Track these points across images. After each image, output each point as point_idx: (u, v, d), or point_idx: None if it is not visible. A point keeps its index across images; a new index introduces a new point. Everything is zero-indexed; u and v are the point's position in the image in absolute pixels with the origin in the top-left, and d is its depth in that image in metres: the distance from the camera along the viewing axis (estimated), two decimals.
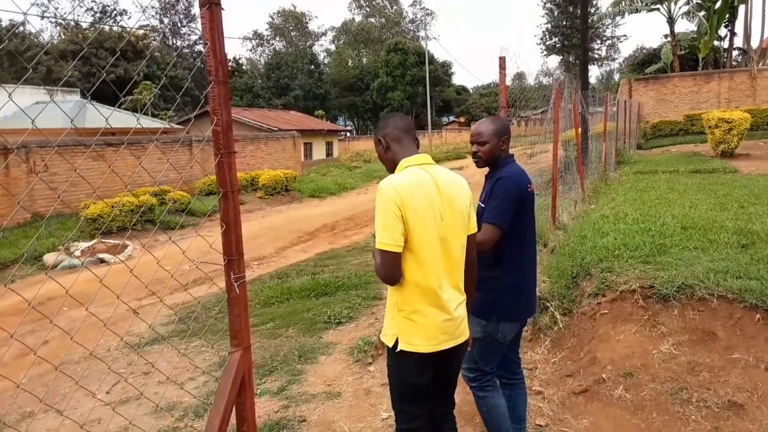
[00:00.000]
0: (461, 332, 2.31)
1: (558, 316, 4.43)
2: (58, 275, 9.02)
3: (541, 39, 61.77)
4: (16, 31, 35.75)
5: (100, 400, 4.33)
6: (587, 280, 4.62)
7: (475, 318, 2.72)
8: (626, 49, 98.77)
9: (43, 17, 45.83)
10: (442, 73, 59.21)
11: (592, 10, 46.58)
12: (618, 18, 48.81)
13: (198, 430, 3.86)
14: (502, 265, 2.76)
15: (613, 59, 68.12)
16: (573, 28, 58.71)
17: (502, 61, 4.43)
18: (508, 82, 4.58)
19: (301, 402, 4.05)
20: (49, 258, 10.05)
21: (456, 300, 2.29)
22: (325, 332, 5.60)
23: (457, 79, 75.15)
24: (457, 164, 27.97)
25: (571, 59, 57.42)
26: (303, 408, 3.96)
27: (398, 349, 2.21)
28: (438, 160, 25.61)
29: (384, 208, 2.10)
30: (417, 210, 2.12)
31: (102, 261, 9.92)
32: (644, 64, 37.07)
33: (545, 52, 61.78)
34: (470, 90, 69.68)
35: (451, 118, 65.90)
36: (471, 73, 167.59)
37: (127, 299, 7.20)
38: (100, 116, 16.37)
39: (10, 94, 1.49)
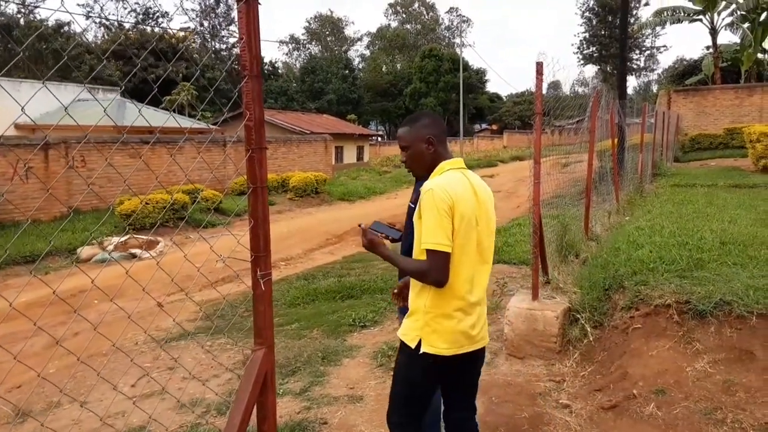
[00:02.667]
0: (482, 336, 2.32)
1: (588, 329, 4.31)
2: (91, 268, 9.21)
3: (578, 48, 60.94)
4: (62, 30, 36.84)
5: (122, 393, 4.38)
6: (620, 292, 4.50)
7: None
8: (665, 61, 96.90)
9: (88, 17, 47.18)
10: (476, 80, 58.97)
11: (632, 20, 45.78)
12: (658, 28, 48.01)
13: (219, 427, 3.87)
14: None
15: (652, 70, 66.86)
16: (611, 38, 57.74)
17: (539, 66, 4.35)
18: (543, 90, 4.51)
19: (322, 404, 4.02)
20: (84, 251, 10.28)
21: (482, 304, 2.32)
22: (349, 335, 5.57)
23: (491, 87, 74.75)
24: (489, 171, 27.74)
25: (608, 69, 56.54)
26: (324, 410, 3.93)
27: (421, 351, 2.19)
28: (469, 167, 25.37)
29: (436, 208, 2.08)
30: (463, 214, 2.13)
31: (134, 256, 10.10)
32: (684, 75, 36.30)
33: (582, 61, 60.88)
34: (504, 98, 69.13)
35: (483, 125, 65.45)
36: (505, 80, 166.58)
37: (156, 295, 7.29)
38: (138, 114, 16.73)
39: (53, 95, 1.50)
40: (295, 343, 5.43)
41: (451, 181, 2.18)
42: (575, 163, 7.28)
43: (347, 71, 56.95)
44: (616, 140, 9.70)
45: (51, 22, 36.27)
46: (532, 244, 4.50)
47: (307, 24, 69.29)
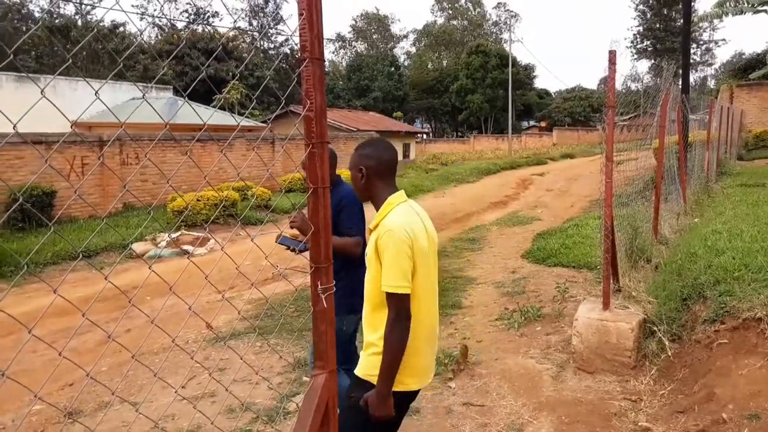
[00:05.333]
0: (434, 366, 2.37)
1: (666, 342, 3.95)
2: (144, 264, 9.28)
3: (632, 42, 59.04)
4: (117, 31, 37.96)
5: (180, 396, 4.27)
6: (701, 303, 4.10)
7: None
8: (722, 55, 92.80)
9: (142, 17, 48.51)
10: (524, 76, 57.75)
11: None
12: (716, 21, 45.91)
13: None
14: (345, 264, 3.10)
15: (710, 64, 64.23)
16: (667, 31, 55.63)
17: (612, 55, 4.01)
18: (593, 86, 4.17)
19: None
20: (137, 247, 10.41)
21: (437, 331, 2.36)
22: None
23: (540, 83, 72.94)
24: (538, 170, 27.00)
25: (663, 64, 54.42)
26: None
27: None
28: (518, 165, 24.58)
29: (398, 250, 2.08)
30: (421, 250, 2.16)
31: (186, 252, 10.16)
32: (746, 69, 34.47)
33: (635, 56, 58.90)
34: (553, 94, 67.47)
35: (531, 122, 64.10)
36: (555, 76, 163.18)
37: (207, 292, 7.25)
38: (190, 113, 16.94)
39: (96, 92, 1.32)
40: None
41: (408, 219, 2.19)
42: (627, 161, 6.91)
43: (393, 68, 56.73)
44: (681, 137, 9.15)
45: (107, 23, 37.42)
46: (603, 249, 4.16)
47: (354, 22, 69.50)
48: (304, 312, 6.25)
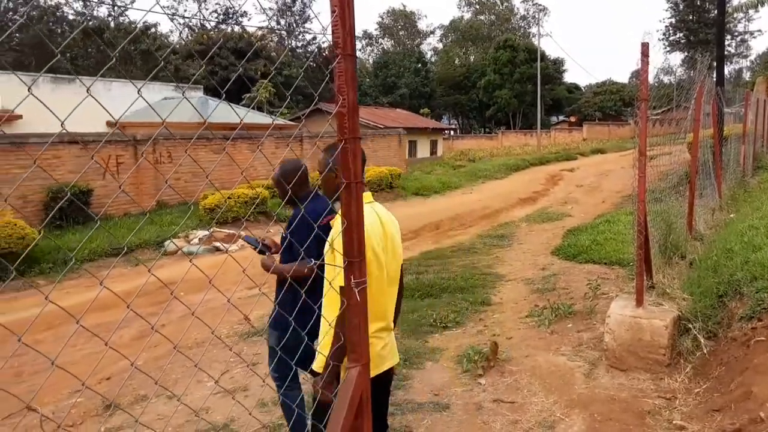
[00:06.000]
0: (393, 354, 2.46)
1: (701, 340, 3.87)
2: (178, 261, 9.46)
3: (664, 34, 57.82)
4: (149, 32, 38.69)
5: (220, 387, 4.36)
6: (737, 300, 4.02)
7: (274, 330, 3.17)
8: (758, 46, 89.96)
9: (172, 18, 49.34)
10: (553, 70, 56.92)
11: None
12: (751, 11, 44.58)
13: None
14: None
15: (745, 56, 62.48)
16: (700, 23, 54.33)
17: (644, 47, 3.94)
18: (624, 80, 4.10)
19: (407, 411, 3.83)
20: (170, 244, 10.62)
21: (390, 326, 2.47)
22: (430, 336, 5.35)
23: (569, 77, 71.76)
24: (568, 165, 26.64)
25: (697, 56, 53.15)
26: (409, 418, 3.73)
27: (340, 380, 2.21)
28: (547, 161, 24.17)
29: None
30: (373, 248, 2.28)
31: (217, 249, 10.33)
32: None
33: (668, 48, 57.64)
34: (582, 88, 66.32)
35: (561, 117, 63.18)
36: (586, 70, 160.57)
37: (239, 288, 7.36)
38: (219, 112, 17.17)
39: (139, 90, 1.36)
40: None
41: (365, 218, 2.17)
42: (660, 156, 6.78)
43: (420, 65, 56.53)
44: (716, 130, 8.95)
45: (139, 24, 38.17)
46: (636, 245, 4.09)
47: (380, 19, 69.47)
48: None
